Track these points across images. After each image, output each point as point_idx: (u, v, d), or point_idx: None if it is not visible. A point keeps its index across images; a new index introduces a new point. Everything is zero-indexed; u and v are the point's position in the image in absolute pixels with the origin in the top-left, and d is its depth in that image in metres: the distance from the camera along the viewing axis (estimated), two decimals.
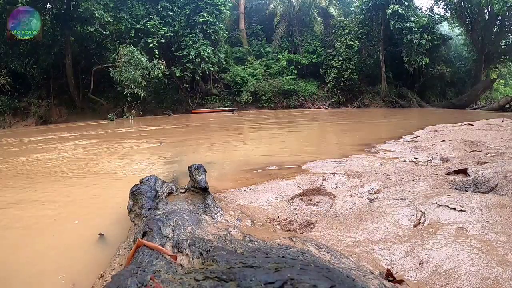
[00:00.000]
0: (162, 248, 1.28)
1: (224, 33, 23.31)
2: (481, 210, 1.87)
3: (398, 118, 13.94)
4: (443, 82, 25.24)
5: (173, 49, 20.56)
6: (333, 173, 3.07)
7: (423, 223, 1.88)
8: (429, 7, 24.95)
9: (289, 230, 1.98)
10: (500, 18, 22.72)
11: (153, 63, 17.89)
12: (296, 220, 2.10)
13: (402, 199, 2.27)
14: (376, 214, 2.07)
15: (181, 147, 6.55)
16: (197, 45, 19.90)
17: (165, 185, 2.28)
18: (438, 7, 24.55)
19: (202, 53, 19.83)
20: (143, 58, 17.18)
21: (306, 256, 1.19)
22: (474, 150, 4.04)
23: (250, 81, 22.92)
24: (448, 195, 2.13)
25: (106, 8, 17.20)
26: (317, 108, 22.94)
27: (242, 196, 2.62)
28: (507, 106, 18.41)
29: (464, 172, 2.84)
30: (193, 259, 1.20)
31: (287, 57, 24.92)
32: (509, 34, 24.01)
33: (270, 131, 9.57)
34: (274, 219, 2.13)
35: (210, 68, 20.77)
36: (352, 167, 3.35)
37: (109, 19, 17.10)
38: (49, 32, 17.92)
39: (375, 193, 2.46)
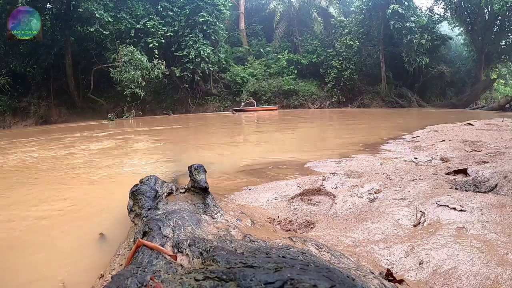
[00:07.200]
0: (162, 248, 1.28)
1: (224, 33, 23.30)
2: (481, 210, 1.87)
3: (398, 118, 13.93)
4: (443, 82, 25.24)
5: (173, 49, 20.56)
6: (333, 173, 3.07)
7: (423, 223, 1.88)
8: (429, 7, 24.92)
9: (289, 230, 1.98)
10: (500, 18, 22.69)
11: (153, 63, 17.89)
12: (296, 220, 2.10)
13: (402, 199, 2.27)
14: (376, 214, 2.06)
15: (181, 147, 6.55)
16: (197, 45, 19.90)
17: (165, 185, 2.28)
18: (438, 7, 24.55)
19: (202, 53, 19.84)
20: (143, 58, 17.18)
21: (306, 256, 1.19)
22: (474, 150, 4.04)
23: (250, 81, 22.92)
24: (448, 195, 2.12)
25: (106, 8, 17.21)
26: (317, 108, 22.90)
27: (242, 196, 2.62)
28: (507, 106, 18.41)
29: (464, 172, 2.84)
30: (193, 259, 1.20)
31: (287, 57, 24.91)
32: (509, 34, 23.97)
33: (270, 131, 9.56)
34: (274, 219, 2.13)
35: (210, 68, 20.77)
36: (352, 167, 3.35)
37: (109, 19, 17.11)
38: (49, 32, 17.93)
39: (375, 193, 2.46)
